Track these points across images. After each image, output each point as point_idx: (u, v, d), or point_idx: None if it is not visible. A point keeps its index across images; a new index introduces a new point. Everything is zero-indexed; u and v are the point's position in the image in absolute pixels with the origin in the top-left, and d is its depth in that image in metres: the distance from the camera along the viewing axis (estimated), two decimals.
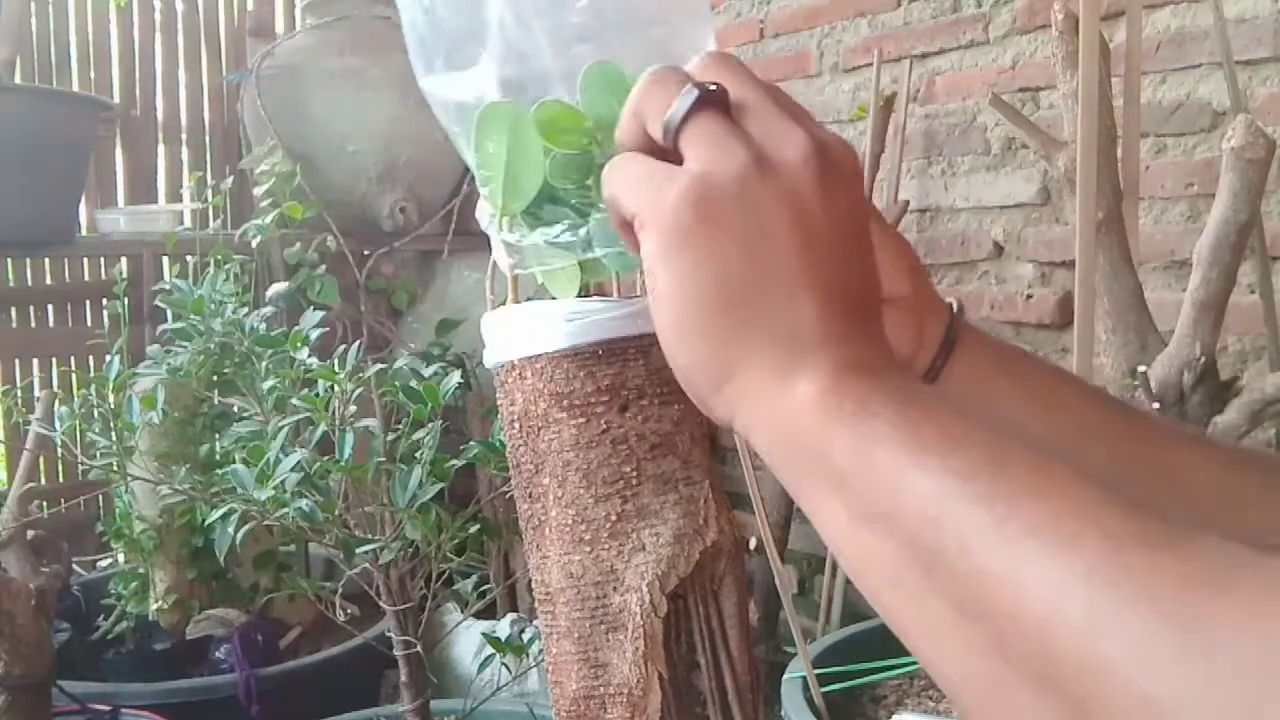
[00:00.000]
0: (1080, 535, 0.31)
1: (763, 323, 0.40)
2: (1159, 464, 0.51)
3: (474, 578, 1.43)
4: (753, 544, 1.17)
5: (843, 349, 0.39)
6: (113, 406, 1.41)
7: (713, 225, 0.40)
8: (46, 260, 2.78)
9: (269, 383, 1.32)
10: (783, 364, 0.39)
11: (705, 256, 0.40)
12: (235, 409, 1.49)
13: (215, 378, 1.57)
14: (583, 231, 0.49)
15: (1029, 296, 1.99)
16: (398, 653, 1.30)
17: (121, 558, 2.10)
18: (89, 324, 2.81)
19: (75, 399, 1.44)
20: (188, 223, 2.77)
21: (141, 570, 1.89)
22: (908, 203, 2.14)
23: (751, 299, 0.40)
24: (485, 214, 0.52)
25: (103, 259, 2.84)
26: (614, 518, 0.50)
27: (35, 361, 2.81)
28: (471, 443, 1.24)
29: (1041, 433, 0.50)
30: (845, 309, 0.40)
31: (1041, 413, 0.51)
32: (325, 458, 1.18)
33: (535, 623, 1.84)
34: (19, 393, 2.15)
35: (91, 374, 2.10)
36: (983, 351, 0.53)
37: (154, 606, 1.86)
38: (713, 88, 0.41)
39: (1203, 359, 1.25)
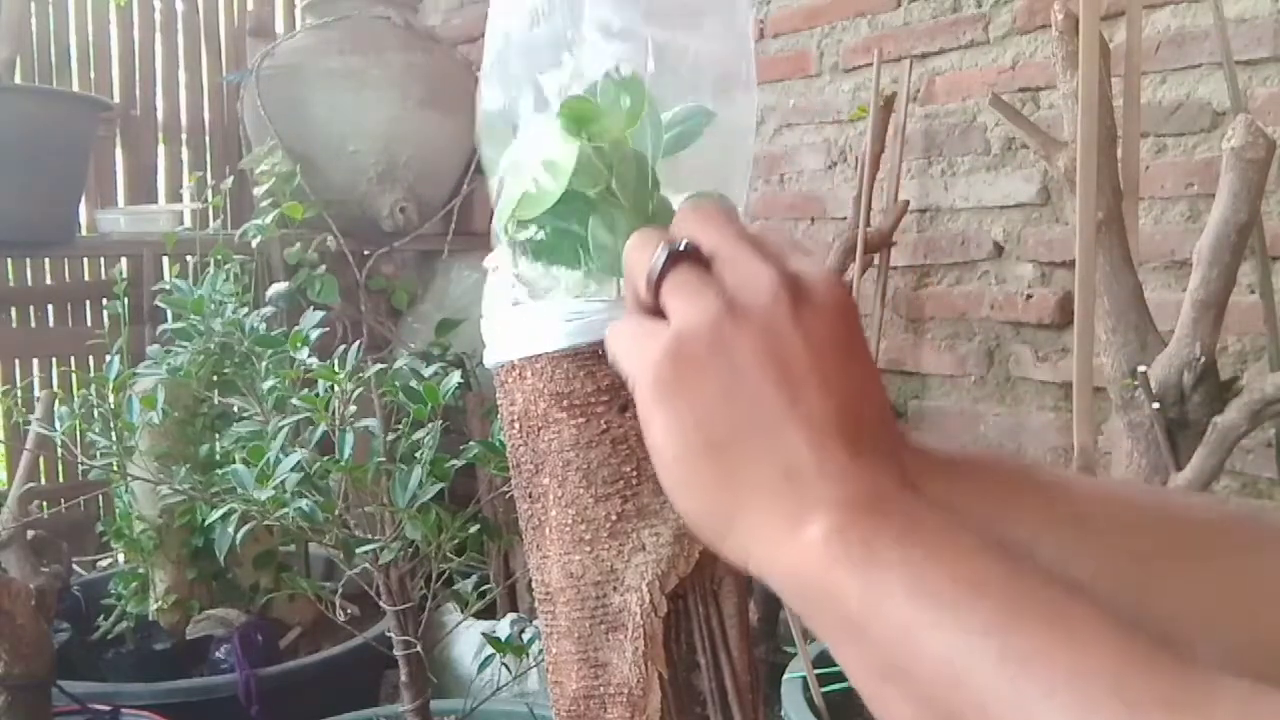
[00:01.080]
0: (1100, 702, 0.31)
1: (754, 465, 0.40)
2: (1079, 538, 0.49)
3: (474, 578, 1.42)
4: None
5: (845, 483, 0.39)
6: (113, 406, 1.41)
7: (690, 376, 0.41)
8: (46, 260, 2.78)
9: (269, 383, 1.32)
10: (784, 506, 0.39)
11: (686, 407, 0.41)
12: (235, 409, 1.49)
13: (215, 378, 1.57)
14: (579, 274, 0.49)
15: (1029, 296, 1.99)
16: (398, 653, 1.30)
17: (121, 558, 2.10)
18: (89, 324, 2.81)
19: (75, 399, 1.44)
20: (188, 223, 2.77)
21: (141, 570, 1.89)
22: (908, 203, 2.14)
23: (738, 442, 0.40)
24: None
25: (103, 259, 2.84)
26: (614, 517, 0.50)
27: (35, 361, 2.80)
28: (471, 443, 1.24)
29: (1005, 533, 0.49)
30: (841, 437, 0.40)
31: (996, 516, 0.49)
32: (325, 458, 1.18)
33: (535, 623, 1.84)
34: (19, 393, 2.15)
35: (91, 374, 2.10)
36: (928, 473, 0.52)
37: (154, 606, 1.86)
38: (683, 246, 0.42)
39: (1203, 359, 1.25)
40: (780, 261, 0.42)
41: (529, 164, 0.49)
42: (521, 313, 0.51)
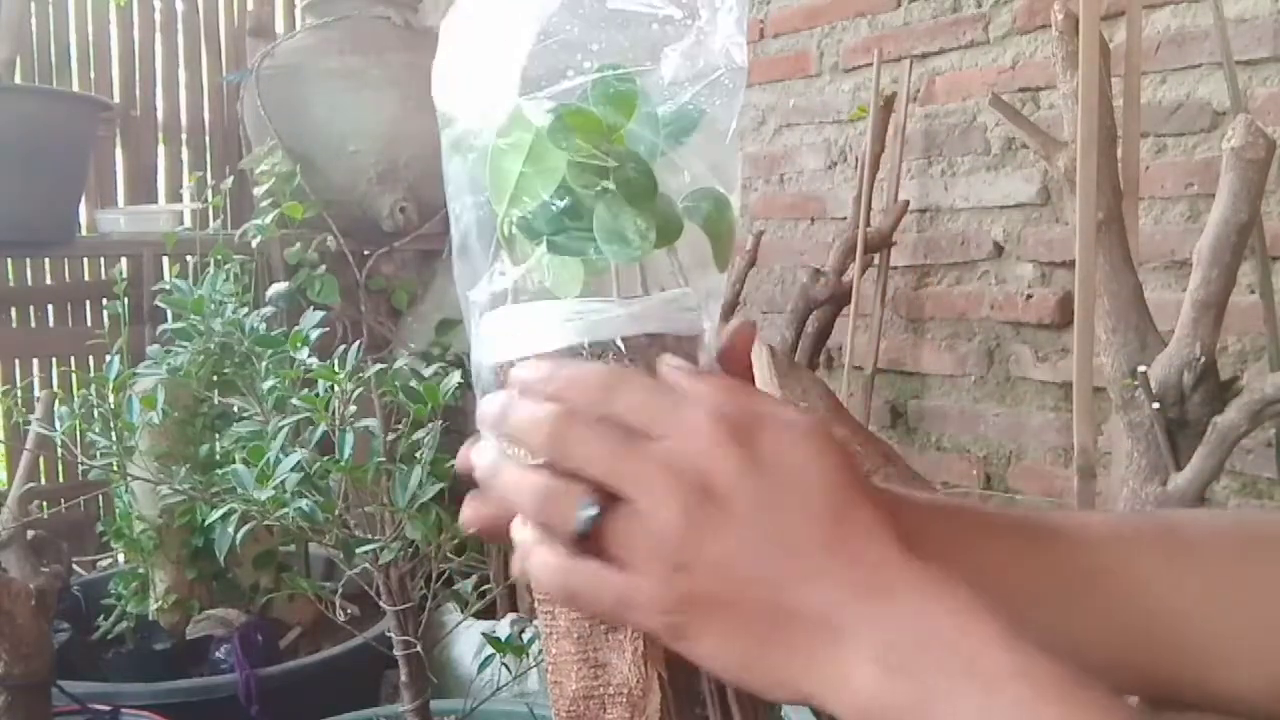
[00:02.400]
0: None
1: (793, 633, 0.41)
2: (1102, 599, 0.51)
3: (474, 578, 1.42)
4: None
5: (875, 630, 0.40)
6: (113, 406, 1.41)
7: (700, 612, 0.42)
8: (46, 260, 2.78)
9: (269, 383, 1.32)
10: (830, 658, 0.41)
11: (716, 635, 0.42)
12: (235, 409, 1.49)
13: (215, 378, 1.57)
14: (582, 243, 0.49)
15: (1029, 296, 1.99)
16: (398, 653, 1.30)
17: (121, 558, 2.10)
18: (89, 324, 2.80)
19: (75, 399, 1.44)
20: (188, 223, 2.77)
21: (141, 570, 1.89)
22: (908, 203, 2.14)
23: (777, 623, 0.41)
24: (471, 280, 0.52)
25: (103, 259, 2.84)
26: None
27: (35, 361, 2.80)
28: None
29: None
30: (852, 569, 0.41)
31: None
32: (325, 458, 1.18)
33: (535, 623, 1.84)
34: (19, 393, 2.15)
35: (91, 374, 2.10)
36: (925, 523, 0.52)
37: (154, 606, 1.86)
38: (594, 510, 0.42)
39: (1203, 359, 1.25)
40: (703, 428, 0.42)
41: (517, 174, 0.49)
42: (521, 312, 0.51)
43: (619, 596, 0.43)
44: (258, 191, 2.31)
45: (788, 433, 0.42)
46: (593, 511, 0.42)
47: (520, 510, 0.46)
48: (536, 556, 0.45)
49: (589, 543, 0.43)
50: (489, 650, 1.39)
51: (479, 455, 0.49)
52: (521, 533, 0.47)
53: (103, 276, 2.83)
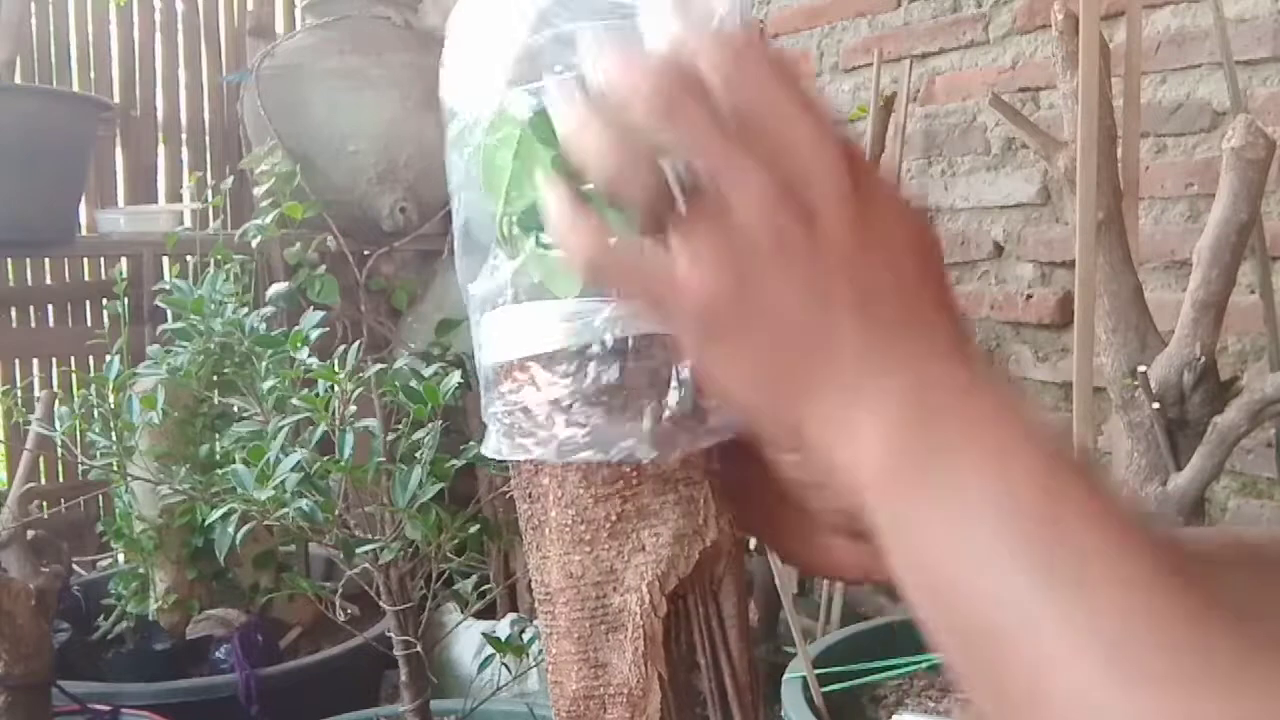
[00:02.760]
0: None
1: (811, 367, 0.39)
2: None
3: (474, 578, 1.43)
4: (753, 544, 1.17)
5: (900, 402, 0.37)
6: (113, 406, 1.41)
7: (743, 323, 0.39)
8: (46, 260, 2.78)
9: (269, 383, 1.32)
10: (839, 404, 0.38)
11: (747, 352, 0.40)
12: (235, 409, 1.49)
13: (215, 378, 1.57)
14: None
15: (1029, 296, 1.99)
16: (398, 653, 1.30)
17: (121, 558, 2.10)
18: (89, 324, 2.81)
19: (75, 399, 1.45)
20: (188, 223, 2.77)
21: (141, 570, 1.89)
22: None
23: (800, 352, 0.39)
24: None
25: (103, 259, 2.84)
26: (613, 518, 0.50)
27: (35, 361, 2.80)
28: (471, 443, 1.24)
29: None
30: (911, 342, 0.38)
31: None
32: (325, 458, 1.18)
33: (535, 623, 1.84)
34: (19, 393, 2.15)
35: (91, 374, 2.10)
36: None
37: (154, 606, 1.86)
38: (685, 176, 0.39)
39: (1203, 359, 1.25)
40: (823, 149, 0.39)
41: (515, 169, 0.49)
42: (521, 312, 0.51)
43: (670, 282, 0.39)
44: (258, 191, 2.31)
45: (898, 199, 0.40)
46: (682, 170, 0.39)
47: (595, 166, 0.41)
48: (575, 233, 0.41)
49: (655, 221, 0.40)
50: (489, 650, 1.39)
51: (570, 107, 0.41)
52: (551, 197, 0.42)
53: (103, 276, 2.83)
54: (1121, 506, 0.34)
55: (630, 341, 0.49)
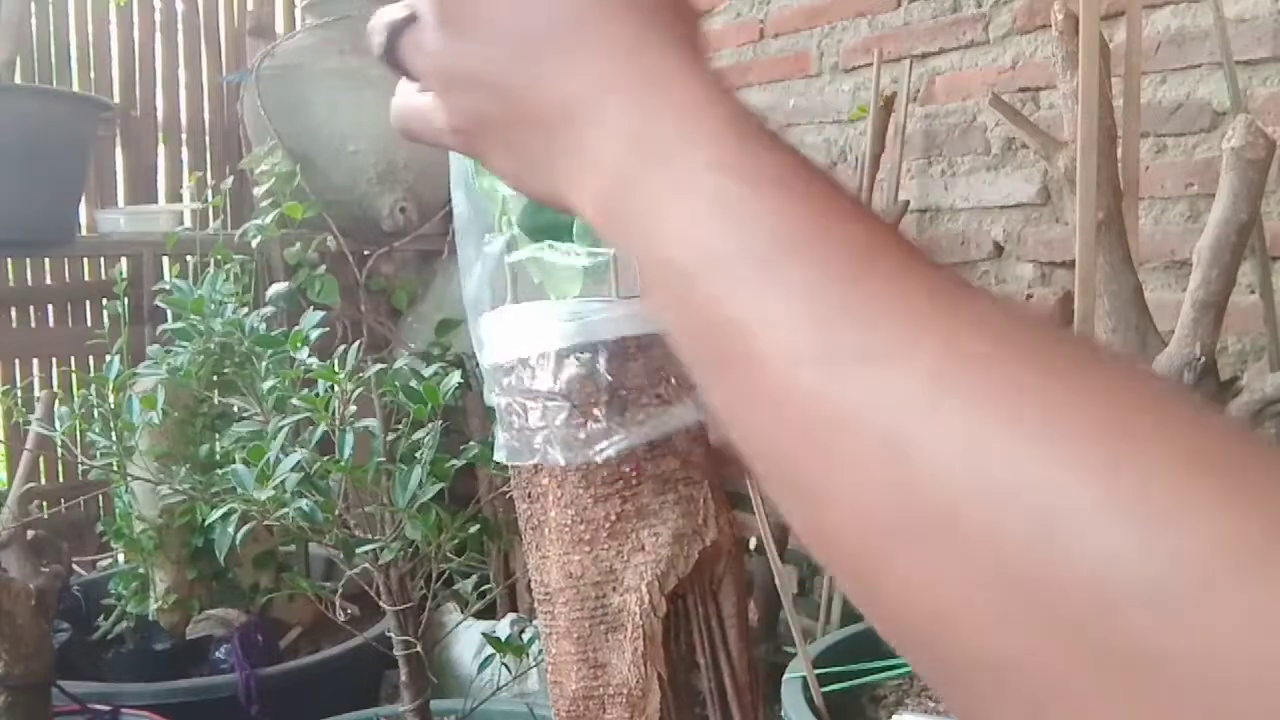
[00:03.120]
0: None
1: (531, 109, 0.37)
2: None
3: (474, 578, 1.43)
4: (752, 544, 1.17)
5: (617, 118, 0.35)
6: (113, 406, 1.41)
7: (480, 124, 0.40)
8: (46, 260, 2.78)
9: (269, 383, 1.32)
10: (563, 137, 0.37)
11: (497, 147, 0.40)
12: (235, 409, 1.49)
13: (215, 378, 1.57)
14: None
15: (1029, 296, 1.99)
16: (398, 653, 1.30)
17: (121, 558, 2.11)
18: (89, 324, 2.81)
19: (75, 399, 1.45)
20: (188, 223, 2.77)
21: (141, 570, 1.89)
22: (908, 203, 2.14)
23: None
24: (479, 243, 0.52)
25: (103, 259, 2.84)
26: (613, 518, 0.50)
27: (35, 361, 2.80)
28: (471, 443, 1.24)
29: None
30: (600, 58, 0.36)
31: None
32: (325, 458, 1.18)
33: (535, 623, 1.84)
34: (19, 393, 2.15)
35: (91, 374, 2.10)
36: None
37: (154, 606, 1.86)
38: (384, 35, 0.41)
39: (1203, 359, 1.25)
40: None
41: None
42: (521, 312, 0.51)
43: (423, 118, 0.42)
44: (258, 191, 2.31)
45: None
46: (384, 33, 0.41)
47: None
48: (395, 101, 0.44)
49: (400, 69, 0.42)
50: (489, 650, 1.39)
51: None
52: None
53: (103, 276, 2.83)
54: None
55: (630, 342, 0.49)
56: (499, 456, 0.53)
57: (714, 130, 0.34)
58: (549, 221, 0.49)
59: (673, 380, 0.49)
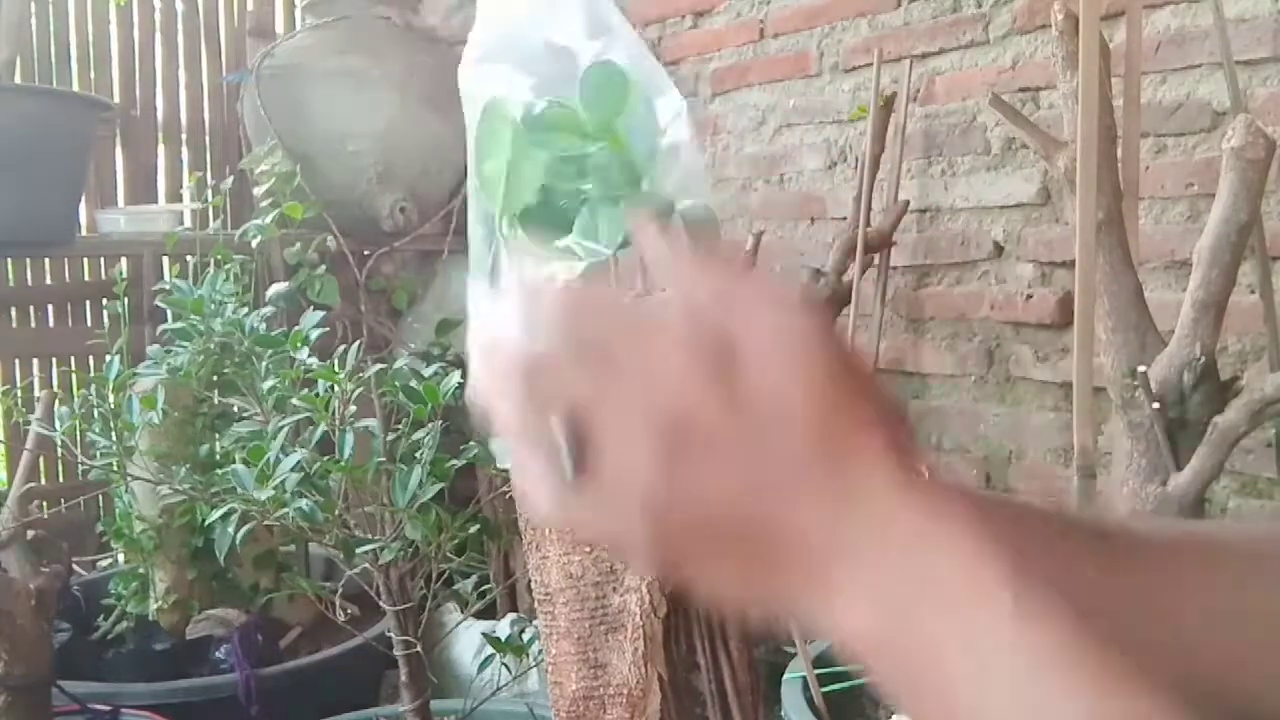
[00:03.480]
0: None
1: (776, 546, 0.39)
2: (1141, 604, 0.49)
3: (474, 578, 1.42)
4: None
5: (867, 565, 0.38)
6: (113, 406, 1.41)
7: (693, 547, 0.40)
8: (46, 260, 2.78)
9: (269, 383, 1.32)
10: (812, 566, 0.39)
11: (715, 571, 0.40)
12: (235, 409, 1.49)
13: (215, 378, 1.57)
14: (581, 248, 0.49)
15: (1029, 296, 1.99)
16: (398, 653, 1.30)
17: (121, 558, 2.10)
18: (89, 324, 2.80)
19: (75, 399, 1.45)
20: (188, 223, 2.77)
21: (141, 570, 1.89)
22: (908, 203, 2.14)
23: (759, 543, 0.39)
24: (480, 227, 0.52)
25: (103, 259, 2.84)
26: None
27: (35, 361, 2.80)
28: (471, 443, 1.24)
29: None
30: (841, 498, 0.39)
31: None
32: (325, 458, 1.18)
33: (535, 623, 1.84)
34: (19, 393, 2.15)
35: (91, 374, 2.10)
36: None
37: (154, 606, 1.86)
38: (571, 466, 0.40)
39: (1203, 359, 1.25)
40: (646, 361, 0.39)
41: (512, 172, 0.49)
42: None
43: (613, 538, 0.41)
44: (258, 191, 2.31)
45: (766, 357, 0.39)
46: (571, 466, 0.40)
47: (528, 468, 0.43)
48: (538, 492, 0.43)
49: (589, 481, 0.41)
50: (489, 650, 1.39)
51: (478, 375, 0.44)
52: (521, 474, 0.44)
53: (103, 276, 2.83)
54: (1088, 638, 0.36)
55: None
56: (501, 461, 0.54)
57: (998, 577, 0.37)
58: (549, 221, 0.49)
59: None
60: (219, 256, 1.75)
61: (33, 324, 2.76)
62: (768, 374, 0.39)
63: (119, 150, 3.00)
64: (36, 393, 2.58)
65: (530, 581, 0.54)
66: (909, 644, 0.37)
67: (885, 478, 0.39)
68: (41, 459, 2.52)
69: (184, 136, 3.13)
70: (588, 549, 0.51)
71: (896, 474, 0.39)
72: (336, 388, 1.19)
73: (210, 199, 2.11)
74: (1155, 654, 0.49)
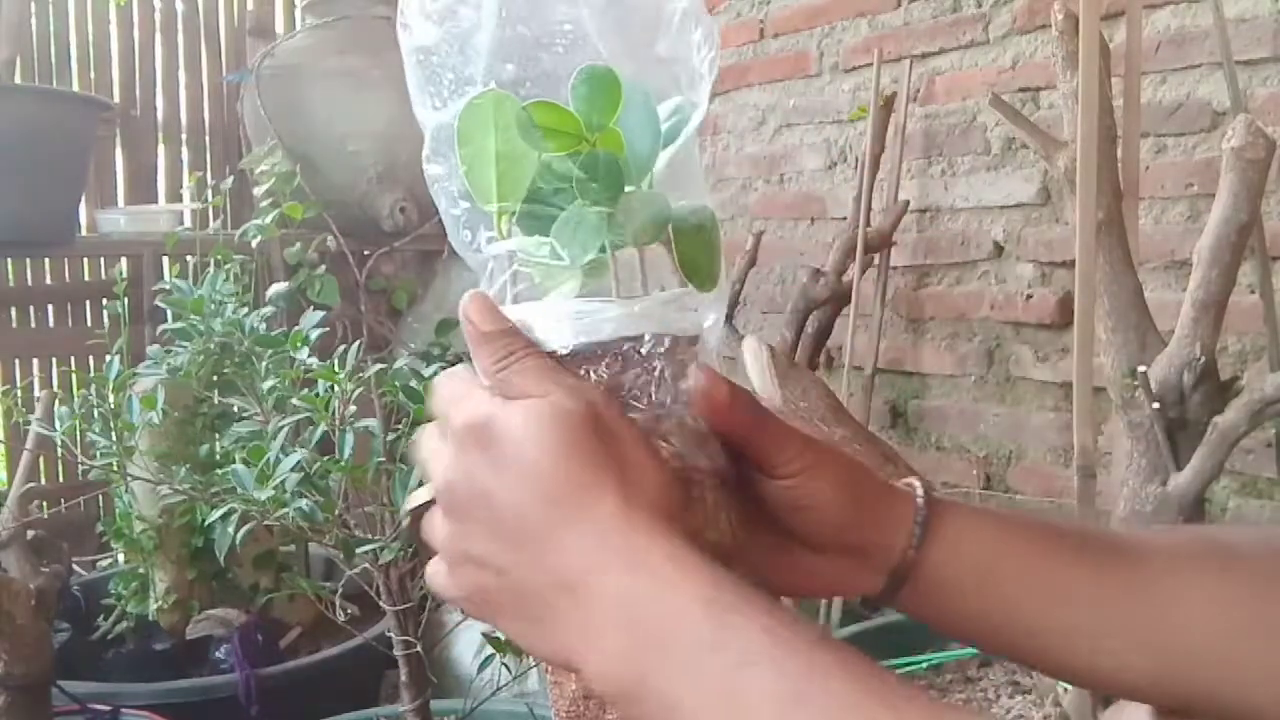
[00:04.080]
0: None
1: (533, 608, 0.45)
2: (1159, 621, 0.51)
3: None
4: None
5: (605, 599, 0.43)
6: (113, 406, 1.41)
7: (487, 596, 0.47)
8: (46, 260, 2.78)
9: (269, 383, 1.32)
10: (566, 627, 0.44)
11: (505, 617, 0.47)
12: (235, 409, 1.49)
13: (215, 378, 1.57)
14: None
15: (1029, 296, 1.99)
16: (398, 653, 1.30)
17: (121, 558, 2.10)
18: (89, 324, 2.80)
19: (75, 399, 1.44)
20: (188, 223, 2.77)
21: (141, 570, 1.89)
22: (908, 203, 2.14)
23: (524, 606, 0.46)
24: (464, 234, 0.52)
25: (103, 259, 2.84)
26: None
27: (35, 361, 2.80)
28: None
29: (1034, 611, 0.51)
30: (582, 540, 0.44)
31: (1038, 599, 0.51)
32: (325, 458, 1.18)
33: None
34: (19, 393, 2.15)
35: (91, 374, 2.10)
36: (968, 536, 0.52)
37: (154, 606, 1.86)
38: (405, 517, 0.50)
39: (1203, 359, 1.25)
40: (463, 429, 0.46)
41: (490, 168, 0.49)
42: (521, 311, 0.51)
43: (436, 587, 0.49)
44: (258, 191, 2.30)
45: (514, 420, 0.45)
46: (404, 512, 0.50)
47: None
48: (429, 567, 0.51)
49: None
50: (489, 650, 1.39)
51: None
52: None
53: (103, 276, 2.83)
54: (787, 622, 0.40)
55: (629, 343, 0.49)
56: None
57: (689, 604, 0.41)
58: (549, 220, 0.49)
59: (672, 382, 0.49)
60: (219, 256, 1.75)
61: (33, 324, 2.76)
62: (507, 441, 0.45)
63: (119, 150, 3.01)
64: (36, 393, 2.58)
65: None
66: (635, 684, 0.41)
67: (613, 519, 0.44)
68: (41, 459, 2.52)
69: (184, 136, 3.13)
70: None
71: (611, 517, 0.44)
72: (336, 388, 1.19)
73: (210, 199, 2.11)
74: (1161, 659, 0.49)
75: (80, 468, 1.53)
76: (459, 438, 0.46)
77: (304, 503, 1.16)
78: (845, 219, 2.19)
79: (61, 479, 2.70)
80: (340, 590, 1.46)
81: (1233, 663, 0.49)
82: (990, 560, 0.51)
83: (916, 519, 0.51)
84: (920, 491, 0.52)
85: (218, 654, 1.86)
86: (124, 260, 2.45)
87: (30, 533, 1.53)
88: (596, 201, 0.47)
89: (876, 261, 2.16)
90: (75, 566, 1.91)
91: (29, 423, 1.61)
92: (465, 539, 0.46)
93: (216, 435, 1.74)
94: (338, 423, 1.19)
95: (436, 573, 0.49)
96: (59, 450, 2.56)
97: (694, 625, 0.40)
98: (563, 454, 0.44)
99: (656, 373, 0.49)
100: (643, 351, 0.49)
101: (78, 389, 2.54)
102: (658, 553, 0.43)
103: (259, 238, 1.97)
